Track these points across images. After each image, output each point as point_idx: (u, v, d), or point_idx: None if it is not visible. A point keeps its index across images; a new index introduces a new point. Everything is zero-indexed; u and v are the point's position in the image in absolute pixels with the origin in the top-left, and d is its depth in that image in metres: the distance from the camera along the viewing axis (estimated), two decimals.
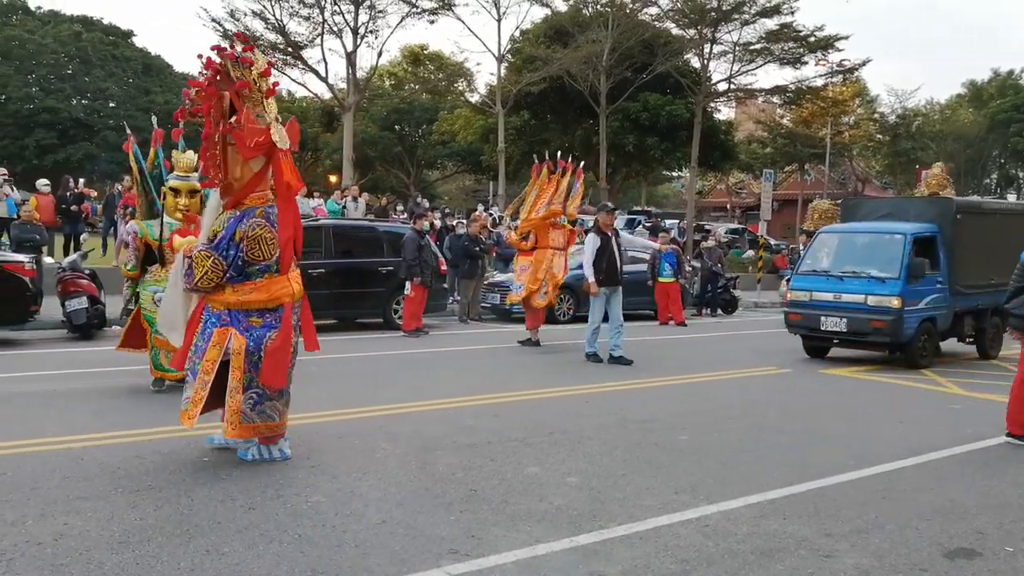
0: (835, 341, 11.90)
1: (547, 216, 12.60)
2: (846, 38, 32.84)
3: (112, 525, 4.40)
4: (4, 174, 17.35)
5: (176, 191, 7.58)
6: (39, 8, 47.34)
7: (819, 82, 36.05)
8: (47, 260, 14.62)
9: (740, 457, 6.33)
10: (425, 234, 13.41)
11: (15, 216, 15.70)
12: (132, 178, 8.25)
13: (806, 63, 33.94)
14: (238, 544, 4.20)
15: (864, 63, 35.79)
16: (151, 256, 8.00)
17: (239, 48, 5.35)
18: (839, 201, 21.38)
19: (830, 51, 33.42)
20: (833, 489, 5.57)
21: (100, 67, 44.63)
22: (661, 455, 6.30)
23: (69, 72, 44.21)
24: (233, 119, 5.34)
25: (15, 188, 17.90)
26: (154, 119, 8.13)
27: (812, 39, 32.64)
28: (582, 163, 13.72)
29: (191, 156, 7.68)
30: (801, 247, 18.70)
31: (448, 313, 16.06)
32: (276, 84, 5.58)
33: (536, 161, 13.43)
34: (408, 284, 13.07)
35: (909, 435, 7.34)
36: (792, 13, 31.77)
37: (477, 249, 16.07)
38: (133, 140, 8.19)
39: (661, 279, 16.99)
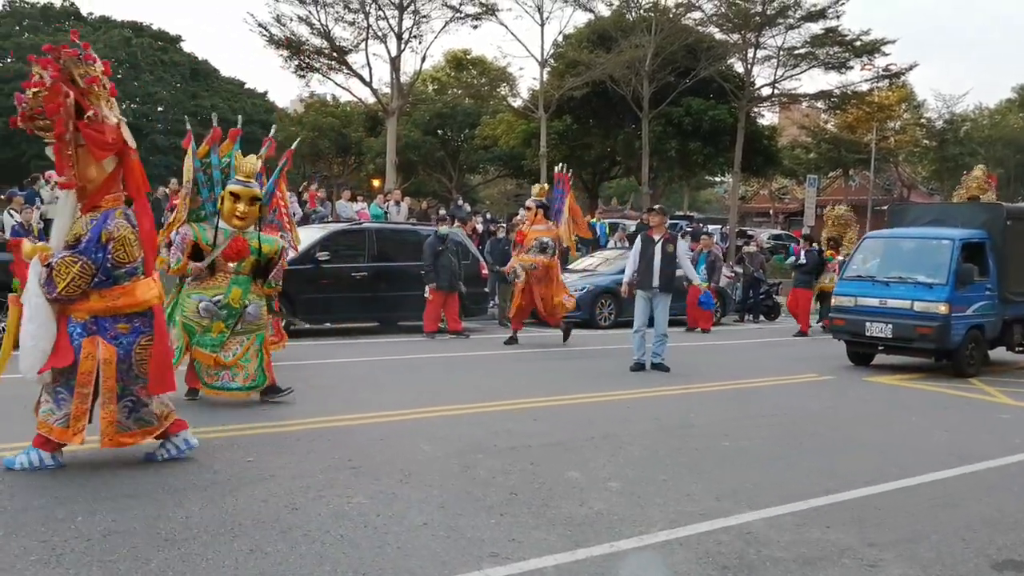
0: (880, 348, 11.71)
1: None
2: (893, 42, 32.37)
3: (159, 523, 4.48)
4: (55, 177, 17.72)
5: (236, 196, 7.29)
6: (91, 14, 48.40)
7: (865, 87, 35.54)
8: None
9: (782, 464, 6.27)
10: (446, 238, 13.44)
11: None
12: (186, 177, 8.04)
13: (851, 68, 33.47)
14: (281, 544, 4.26)
15: (911, 67, 35.19)
16: (200, 260, 7.60)
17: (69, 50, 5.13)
18: (884, 207, 21.03)
19: (876, 55, 32.93)
20: (877, 498, 5.49)
21: (149, 72, 45.47)
22: (702, 461, 6.26)
23: (119, 77, 45.00)
24: (86, 117, 5.12)
25: None
26: (214, 117, 7.92)
27: (858, 43, 32.19)
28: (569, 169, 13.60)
29: (253, 160, 7.56)
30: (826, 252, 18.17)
31: (489, 317, 16.10)
32: (113, 85, 5.38)
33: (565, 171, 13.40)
34: (427, 288, 13.20)
35: (955, 444, 7.21)
36: (838, 17, 31.40)
37: None
38: (192, 137, 7.79)
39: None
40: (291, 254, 10.26)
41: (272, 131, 8.74)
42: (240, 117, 8.57)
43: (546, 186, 13.27)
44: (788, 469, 6.14)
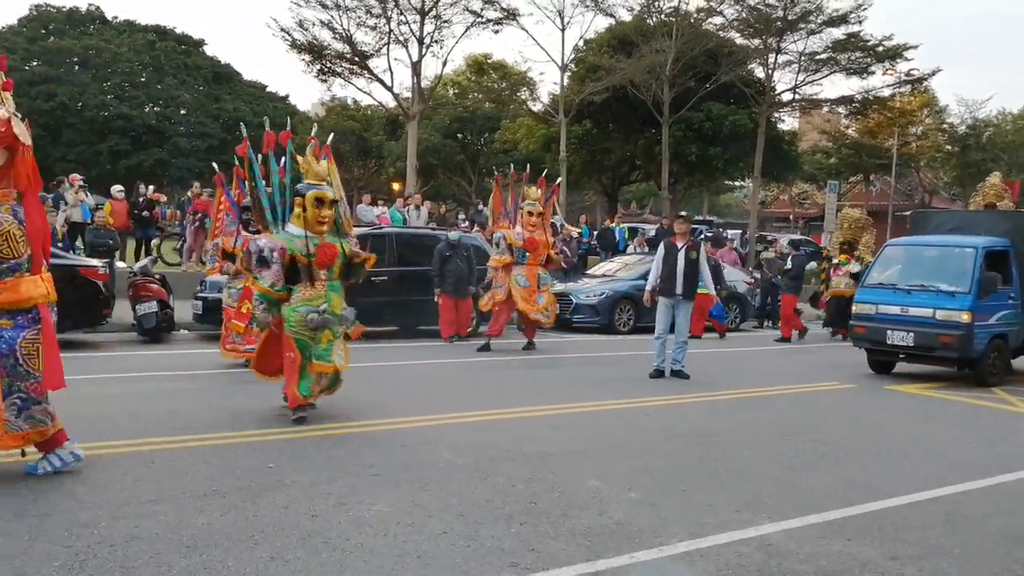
0: (901, 356, 11.63)
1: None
2: (915, 47, 32.18)
3: (181, 529, 4.52)
4: (79, 180, 17.93)
5: (320, 201, 7.12)
6: (115, 18, 48.85)
7: (886, 92, 35.28)
8: (119, 265, 15.06)
9: (802, 474, 6.24)
10: (457, 243, 13.44)
11: (90, 221, 16.21)
12: (248, 185, 7.62)
13: (873, 73, 33.24)
14: (302, 551, 4.29)
15: (933, 73, 34.91)
16: (294, 273, 7.20)
17: None
18: (905, 213, 20.75)
19: (898, 61, 32.68)
20: (898, 510, 5.45)
21: (172, 75, 45.82)
22: (722, 471, 6.23)
23: (143, 80, 45.48)
24: None
25: (89, 193, 18.48)
26: (266, 121, 7.69)
27: (880, 49, 31.96)
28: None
29: (324, 164, 7.43)
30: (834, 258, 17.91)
31: (509, 321, 16.08)
32: (10, 81, 5.27)
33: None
34: (436, 293, 13.24)
35: (978, 455, 7.15)
36: (860, 23, 31.19)
37: None
38: (248, 144, 7.61)
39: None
40: None
41: (314, 129, 8.44)
42: (267, 118, 8.50)
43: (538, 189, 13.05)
44: (809, 479, 6.10)
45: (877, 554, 4.62)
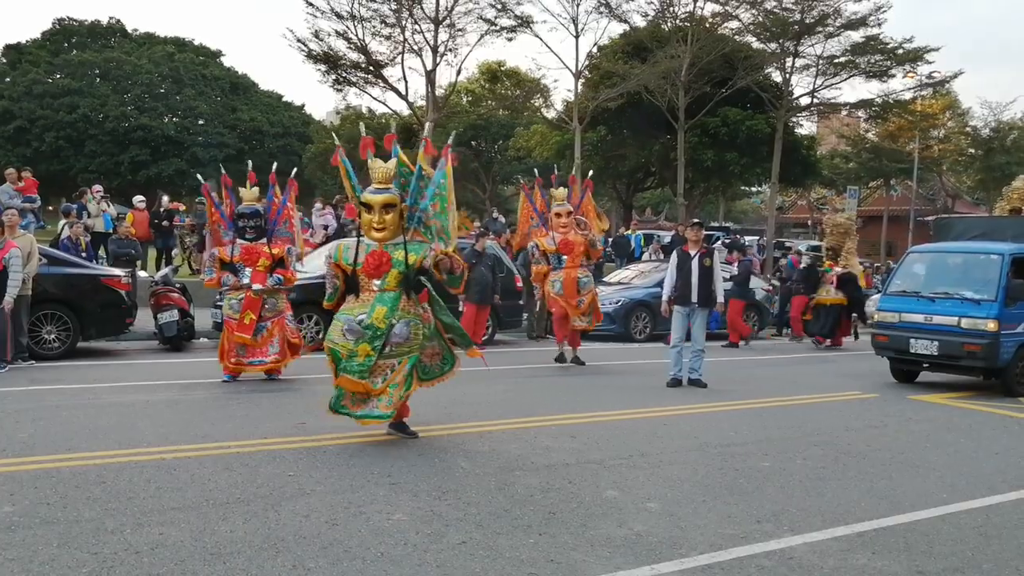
0: (925, 365, 11.51)
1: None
2: (936, 50, 31.88)
3: (204, 537, 4.54)
4: (100, 191, 18.08)
5: (368, 207, 6.65)
6: (136, 31, 49.43)
7: (907, 95, 35.03)
8: (141, 274, 15.19)
9: (825, 486, 6.18)
10: (483, 254, 13.40)
11: (112, 231, 16.35)
12: (347, 192, 7.27)
13: (893, 76, 33.03)
14: (323, 560, 4.29)
15: (955, 75, 34.67)
16: (353, 282, 6.86)
17: None
18: (927, 218, 20.45)
19: (919, 63, 32.46)
20: (925, 523, 5.38)
21: (191, 86, 46.28)
22: (742, 481, 6.19)
23: (162, 91, 45.98)
24: None
25: (111, 203, 18.64)
26: (362, 127, 7.37)
27: (900, 51, 31.77)
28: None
29: (389, 165, 6.83)
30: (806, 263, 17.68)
31: (523, 330, 16.14)
32: None
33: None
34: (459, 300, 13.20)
35: (1006, 467, 7.05)
36: (879, 25, 31.00)
37: None
38: (343, 152, 7.18)
39: None
40: (298, 265, 10.36)
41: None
42: (362, 124, 8.05)
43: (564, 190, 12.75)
44: (831, 491, 6.04)
45: (903, 569, 4.56)
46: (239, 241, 9.70)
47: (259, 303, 9.60)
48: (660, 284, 12.13)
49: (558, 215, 12.18)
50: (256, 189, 9.87)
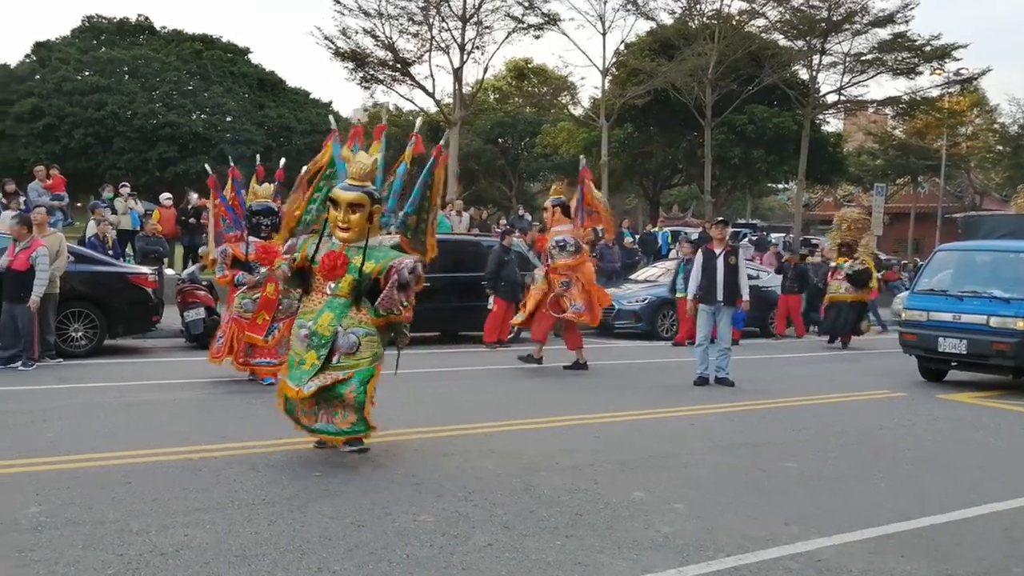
0: (953, 364, 11.36)
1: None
2: (964, 47, 31.53)
3: (230, 538, 4.56)
4: (127, 188, 18.23)
5: (335, 203, 6.13)
6: (164, 28, 49.81)
7: (935, 92, 34.64)
8: (168, 271, 15.30)
9: (853, 487, 6.12)
10: (512, 250, 13.35)
11: (139, 228, 16.49)
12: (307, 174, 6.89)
13: (921, 73, 32.71)
14: (348, 563, 4.29)
15: (984, 72, 34.24)
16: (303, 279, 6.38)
17: None
18: (955, 215, 20.14)
19: (947, 60, 32.09)
20: (955, 525, 5.31)
21: (219, 83, 46.54)
22: (770, 482, 6.13)
23: (190, 88, 46.27)
24: None
25: (138, 201, 18.80)
26: (331, 119, 6.88)
27: (928, 48, 31.44)
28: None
29: (365, 160, 6.32)
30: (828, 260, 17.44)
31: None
32: None
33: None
34: (490, 298, 13.12)
35: None
36: (907, 22, 30.71)
37: None
38: (337, 136, 6.70)
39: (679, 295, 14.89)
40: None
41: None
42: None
43: (564, 181, 12.40)
44: (860, 492, 5.98)
45: (932, 571, 4.51)
46: (252, 239, 9.37)
47: (275, 304, 9.17)
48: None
49: (546, 208, 11.78)
50: (269, 186, 9.65)
